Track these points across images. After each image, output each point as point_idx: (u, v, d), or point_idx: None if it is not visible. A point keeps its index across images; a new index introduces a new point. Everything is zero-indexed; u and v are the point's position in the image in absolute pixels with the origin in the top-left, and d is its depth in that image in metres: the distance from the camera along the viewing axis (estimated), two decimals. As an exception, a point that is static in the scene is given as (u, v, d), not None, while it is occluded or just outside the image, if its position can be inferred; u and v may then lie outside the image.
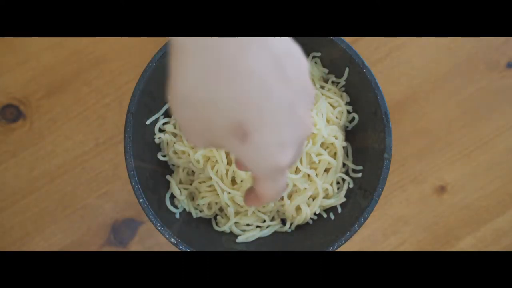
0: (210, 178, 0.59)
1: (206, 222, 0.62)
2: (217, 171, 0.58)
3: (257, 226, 0.61)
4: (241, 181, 0.58)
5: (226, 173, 0.58)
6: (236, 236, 0.61)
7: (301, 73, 0.32)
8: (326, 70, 0.62)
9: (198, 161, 0.59)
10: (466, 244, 0.68)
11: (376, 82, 0.57)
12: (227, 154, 0.58)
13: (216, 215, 0.63)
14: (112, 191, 0.67)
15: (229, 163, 0.58)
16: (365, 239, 0.67)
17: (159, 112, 0.61)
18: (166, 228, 0.56)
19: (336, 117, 0.61)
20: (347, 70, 0.59)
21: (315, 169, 0.59)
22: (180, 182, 0.62)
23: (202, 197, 0.60)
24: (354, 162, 0.61)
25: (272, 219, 0.62)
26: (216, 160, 0.58)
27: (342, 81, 0.61)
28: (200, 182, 0.60)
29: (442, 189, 0.68)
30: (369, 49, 0.69)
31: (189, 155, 0.59)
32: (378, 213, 0.68)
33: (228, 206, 0.59)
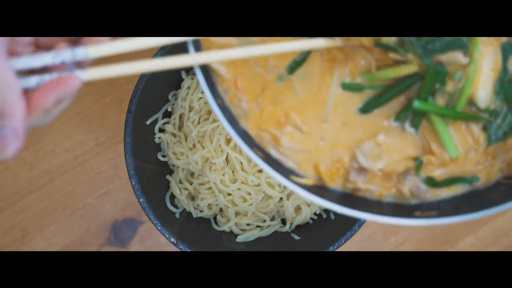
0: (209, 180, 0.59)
1: (206, 222, 0.62)
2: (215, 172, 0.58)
3: (257, 226, 0.61)
4: (241, 182, 0.58)
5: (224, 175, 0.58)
6: (237, 235, 0.61)
7: None
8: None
9: (196, 163, 0.59)
10: (466, 244, 0.67)
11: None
12: (226, 156, 0.58)
13: (216, 214, 0.63)
14: (112, 191, 0.67)
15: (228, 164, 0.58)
16: (365, 239, 0.67)
17: (159, 112, 0.61)
18: (166, 228, 0.56)
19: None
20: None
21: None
22: (180, 182, 0.62)
23: (202, 199, 0.60)
24: (354, 162, 0.61)
25: (272, 219, 0.62)
26: (215, 162, 0.58)
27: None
28: (199, 184, 0.60)
29: (442, 189, 0.68)
30: (369, 49, 0.69)
31: (187, 156, 0.59)
32: (378, 213, 0.68)
33: (228, 207, 0.59)
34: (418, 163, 0.43)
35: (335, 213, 0.61)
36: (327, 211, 0.61)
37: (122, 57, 0.70)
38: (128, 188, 0.67)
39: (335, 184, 0.43)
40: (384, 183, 0.44)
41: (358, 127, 0.44)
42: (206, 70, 0.41)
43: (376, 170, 0.43)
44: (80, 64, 0.37)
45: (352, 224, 0.56)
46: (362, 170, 0.43)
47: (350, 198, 0.43)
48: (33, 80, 0.36)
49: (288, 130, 0.43)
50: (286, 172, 0.42)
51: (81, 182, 0.67)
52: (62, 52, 0.36)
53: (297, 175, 0.43)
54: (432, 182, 0.43)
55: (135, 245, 0.67)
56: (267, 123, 0.43)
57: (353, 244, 0.67)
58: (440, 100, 0.42)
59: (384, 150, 0.43)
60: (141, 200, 0.55)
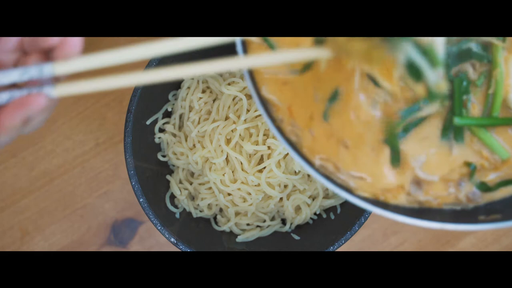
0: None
1: (206, 222, 0.62)
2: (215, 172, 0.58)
3: (257, 226, 0.61)
4: (241, 182, 0.58)
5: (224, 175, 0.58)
6: (237, 235, 0.61)
7: None
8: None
9: (196, 162, 0.59)
10: (466, 244, 0.67)
11: (376, 82, 0.57)
12: (226, 156, 0.58)
13: (216, 214, 0.63)
14: (112, 191, 0.67)
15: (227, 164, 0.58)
16: (365, 239, 0.67)
17: (159, 112, 0.61)
18: (166, 228, 0.56)
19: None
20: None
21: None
22: (180, 182, 0.62)
23: (202, 199, 0.60)
24: (354, 162, 0.61)
25: (272, 219, 0.62)
26: (215, 162, 0.58)
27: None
28: (199, 184, 0.60)
29: (442, 189, 0.68)
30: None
31: (187, 156, 0.59)
32: (378, 213, 0.67)
33: (228, 207, 0.59)
34: (472, 169, 0.44)
35: (335, 213, 0.61)
36: (327, 211, 0.61)
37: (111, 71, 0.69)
38: (128, 188, 0.67)
39: (396, 200, 0.44)
40: (442, 192, 0.45)
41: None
42: (262, 97, 0.43)
43: (434, 180, 0.44)
44: (54, 79, 0.35)
45: (352, 224, 0.56)
46: (420, 182, 0.44)
47: (412, 209, 0.44)
48: (3, 97, 0.34)
49: (342, 154, 0.43)
50: (348, 189, 0.43)
51: (81, 182, 0.67)
52: (29, 69, 0.34)
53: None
54: (485, 187, 0.44)
55: (135, 245, 0.67)
56: (321, 149, 0.44)
57: (353, 244, 0.67)
58: (474, 109, 0.43)
59: (438, 161, 0.44)
60: (141, 200, 0.55)
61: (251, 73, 0.42)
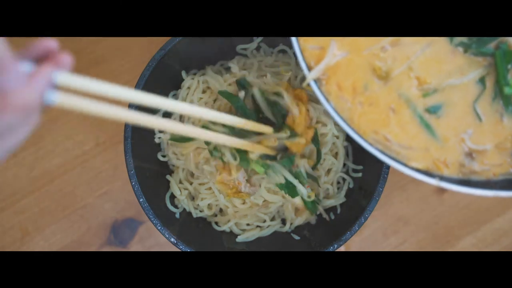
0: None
1: (206, 222, 0.62)
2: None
3: (257, 226, 0.61)
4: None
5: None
6: (237, 235, 0.61)
7: None
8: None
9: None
10: (466, 244, 0.68)
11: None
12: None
13: (216, 215, 0.63)
14: (112, 191, 0.67)
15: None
16: (365, 239, 0.67)
17: (159, 112, 0.61)
18: (166, 228, 0.56)
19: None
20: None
21: (317, 169, 0.59)
22: (180, 182, 0.61)
23: (202, 199, 0.60)
24: (354, 162, 0.61)
25: (272, 219, 0.62)
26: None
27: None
28: (199, 184, 0.60)
29: (442, 189, 0.68)
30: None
31: (187, 156, 0.59)
32: (378, 213, 0.68)
33: (228, 207, 0.59)
34: None
35: (335, 213, 0.60)
36: (327, 211, 0.61)
37: (122, 56, 0.69)
38: (128, 188, 0.67)
39: (450, 171, 0.46)
40: (496, 161, 0.47)
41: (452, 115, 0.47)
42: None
43: (486, 149, 0.46)
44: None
45: (352, 224, 0.56)
46: (473, 153, 0.46)
47: (465, 181, 0.47)
48: (27, 67, 0.34)
49: (393, 128, 0.46)
50: (400, 162, 0.46)
51: (81, 182, 0.67)
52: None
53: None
54: None
55: (135, 245, 0.67)
56: (370, 122, 0.46)
57: (353, 244, 0.67)
58: None
59: (488, 130, 0.46)
60: (141, 200, 0.55)
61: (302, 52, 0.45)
